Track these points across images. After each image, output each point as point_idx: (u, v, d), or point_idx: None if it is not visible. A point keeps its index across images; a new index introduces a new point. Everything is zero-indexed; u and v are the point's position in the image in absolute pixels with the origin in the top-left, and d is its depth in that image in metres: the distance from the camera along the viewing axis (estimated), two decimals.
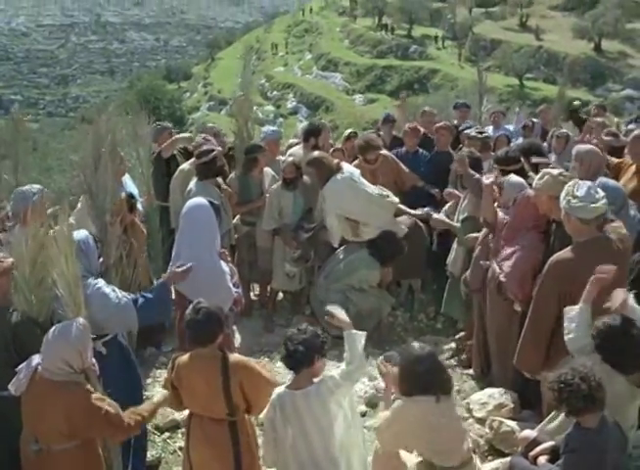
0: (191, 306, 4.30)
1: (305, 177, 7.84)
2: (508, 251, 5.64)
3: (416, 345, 4.37)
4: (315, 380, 4.17)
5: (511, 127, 11.08)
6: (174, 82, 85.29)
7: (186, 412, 5.90)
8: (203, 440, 4.29)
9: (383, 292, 7.66)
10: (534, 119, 11.11)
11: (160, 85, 72.78)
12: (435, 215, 7.44)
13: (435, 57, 63.61)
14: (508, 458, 4.29)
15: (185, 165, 8.00)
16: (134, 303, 4.80)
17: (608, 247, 4.63)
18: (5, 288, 4.56)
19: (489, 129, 10.07)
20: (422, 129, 9.12)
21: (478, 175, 6.84)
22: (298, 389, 4.16)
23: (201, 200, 6.00)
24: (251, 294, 8.65)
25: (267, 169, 8.18)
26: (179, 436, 5.93)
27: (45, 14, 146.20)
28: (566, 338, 4.25)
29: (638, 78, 48.91)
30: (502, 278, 5.58)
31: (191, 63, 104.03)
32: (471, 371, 6.62)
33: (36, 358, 4.05)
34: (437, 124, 9.04)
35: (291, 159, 8.03)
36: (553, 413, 4.21)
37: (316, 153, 7.65)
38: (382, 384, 5.99)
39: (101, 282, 4.78)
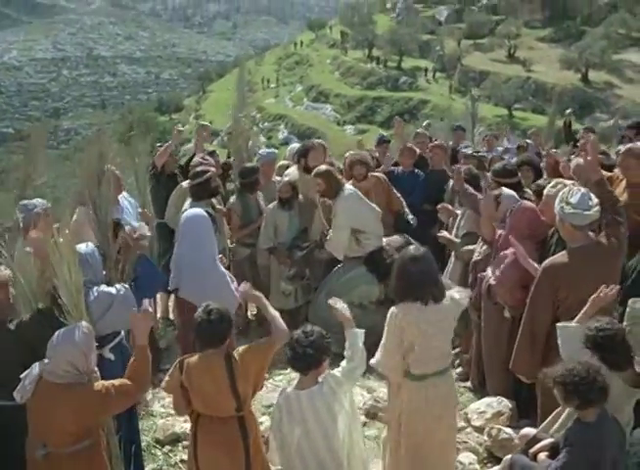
0: (201, 308, 4.37)
1: (301, 197, 7.94)
2: (501, 256, 5.77)
3: (412, 247, 4.75)
4: (319, 379, 4.25)
5: (505, 143, 11.26)
6: (166, 114, 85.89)
7: (186, 425, 6.03)
8: (212, 439, 4.33)
9: (381, 308, 7.71)
10: (528, 141, 11.27)
11: (152, 117, 73.32)
12: (440, 233, 7.49)
13: (425, 88, 64.35)
14: (508, 456, 4.36)
15: (185, 183, 8.10)
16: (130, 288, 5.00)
17: (601, 253, 4.74)
18: (3, 302, 4.59)
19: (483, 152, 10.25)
20: (417, 150, 9.26)
21: (474, 191, 6.97)
22: (304, 389, 4.23)
23: (198, 210, 6.13)
24: (249, 313, 8.71)
25: (259, 192, 8.29)
26: (179, 449, 5.95)
27: (37, 48, 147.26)
28: (562, 354, 4.35)
29: (625, 108, 49.51)
30: (492, 281, 5.71)
31: (182, 95, 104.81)
32: (468, 383, 6.68)
33: (40, 364, 4.11)
34: (431, 143, 9.21)
35: (286, 178, 8.13)
36: (553, 414, 4.29)
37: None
38: (381, 394, 6.09)
39: (103, 286, 4.89)
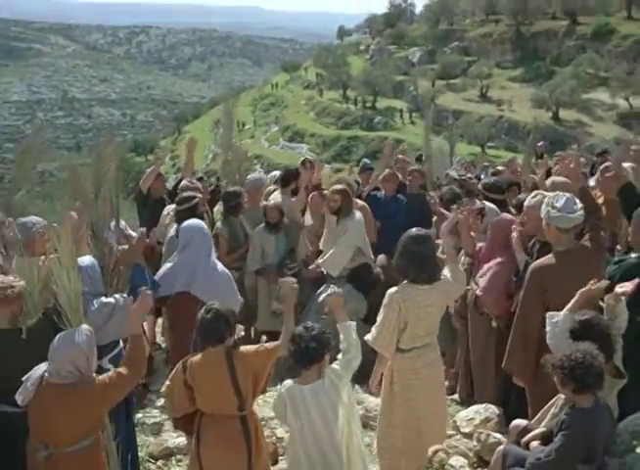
0: (204, 308, 4.51)
1: (286, 219, 8.11)
2: (485, 268, 5.98)
3: (415, 228, 5.04)
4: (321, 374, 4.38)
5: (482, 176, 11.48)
6: (142, 155, 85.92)
7: (179, 440, 6.10)
8: (215, 438, 4.43)
9: (367, 326, 7.85)
10: (500, 168, 11.49)
11: (128, 158, 73.34)
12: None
13: (400, 127, 65.13)
14: (501, 447, 4.49)
15: (170, 207, 8.21)
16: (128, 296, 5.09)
17: (585, 256, 4.98)
18: (16, 312, 4.66)
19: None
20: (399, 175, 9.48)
21: (448, 213, 7.20)
22: (307, 383, 4.36)
23: (194, 220, 6.29)
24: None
25: (241, 216, 8.42)
26: (173, 462, 6.01)
27: (12, 90, 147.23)
28: (548, 341, 4.54)
29: (595, 146, 50.38)
30: (478, 292, 5.90)
31: (158, 136, 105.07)
32: (455, 396, 6.82)
33: (42, 367, 4.20)
34: (410, 168, 9.47)
35: (272, 203, 8.30)
36: (543, 409, 4.44)
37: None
38: (371, 404, 6.21)
39: (103, 298, 5.01)
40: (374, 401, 6.14)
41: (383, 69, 74.93)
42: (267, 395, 6.94)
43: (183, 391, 4.52)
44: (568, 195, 5.04)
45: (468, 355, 6.57)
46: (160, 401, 7.24)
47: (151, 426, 6.66)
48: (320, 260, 7.73)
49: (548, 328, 4.57)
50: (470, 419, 5.83)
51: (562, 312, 4.56)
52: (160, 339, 8.75)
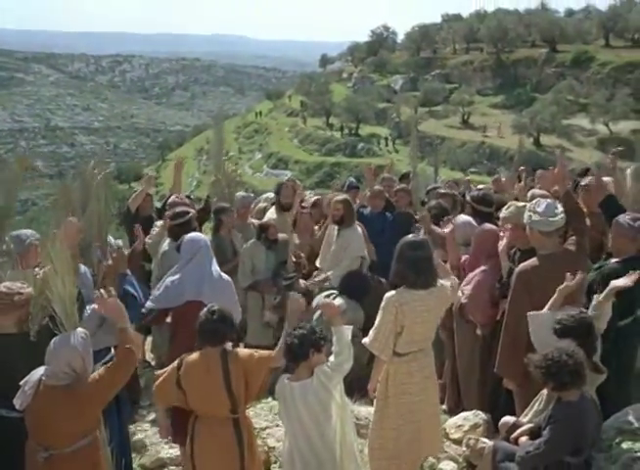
0: (206, 308, 4.61)
1: (279, 235, 8.24)
2: (469, 276, 6.13)
3: (410, 235, 5.19)
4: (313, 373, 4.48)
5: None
6: (125, 183, 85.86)
7: (172, 451, 6.15)
8: (209, 440, 4.51)
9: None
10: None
11: (111, 186, 73.17)
12: None
13: (383, 154, 65.58)
14: (491, 443, 4.59)
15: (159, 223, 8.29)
16: None
17: (569, 259, 5.14)
18: (23, 317, 4.76)
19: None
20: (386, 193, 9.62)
21: (439, 230, 7.34)
22: (297, 381, 4.48)
23: (195, 233, 6.39)
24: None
25: (235, 231, 8.53)
26: None
27: None
28: (533, 341, 4.69)
29: (576, 170, 50.87)
30: (463, 300, 6.04)
31: (141, 164, 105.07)
32: (443, 406, 6.90)
33: (39, 371, 4.28)
34: (396, 187, 9.62)
35: (271, 220, 8.46)
36: (530, 406, 4.56)
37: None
38: (362, 413, 6.28)
39: (94, 305, 5.10)
40: (364, 410, 6.22)
41: (365, 96, 75.74)
42: (258, 407, 7.04)
43: (174, 388, 4.60)
44: (548, 200, 5.22)
45: (454, 366, 6.68)
46: (152, 416, 7.30)
47: (143, 439, 6.70)
48: (329, 273, 7.82)
49: (531, 328, 4.73)
50: (459, 426, 5.93)
51: (543, 311, 4.72)
52: (149, 356, 8.80)
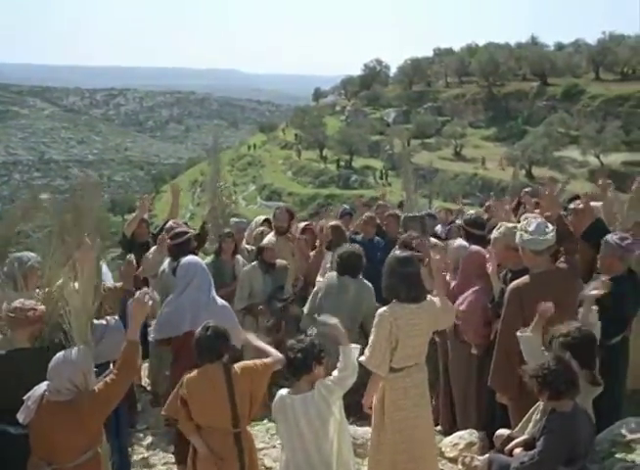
0: (201, 326, 4.69)
1: (280, 262, 8.36)
2: (461, 298, 6.24)
3: (398, 251, 5.33)
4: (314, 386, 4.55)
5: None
6: (119, 215, 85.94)
7: None
8: (210, 454, 4.56)
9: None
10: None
11: (105, 218, 73.26)
12: None
13: (376, 185, 65.86)
14: (486, 455, 4.65)
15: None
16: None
17: (561, 277, 5.27)
18: (36, 333, 4.88)
19: (439, 226, 10.72)
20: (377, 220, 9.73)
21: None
22: (298, 393, 4.53)
23: (191, 257, 6.45)
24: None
25: (238, 256, 8.64)
26: None
27: None
28: (526, 359, 4.79)
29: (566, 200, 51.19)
30: (456, 321, 6.14)
31: (135, 197, 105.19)
32: (438, 428, 6.95)
33: (42, 386, 4.34)
34: (385, 213, 9.76)
35: (269, 243, 8.56)
36: (524, 419, 4.63)
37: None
38: (359, 432, 6.33)
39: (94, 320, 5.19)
40: (361, 430, 6.27)
41: (358, 129, 76.19)
42: (255, 428, 7.08)
43: (181, 410, 4.66)
44: (539, 219, 5.35)
45: (448, 387, 6.76)
46: (148, 440, 7.34)
47: (140, 461, 6.73)
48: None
49: (522, 347, 4.83)
50: (454, 444, 5.99)
51: (527, 333, 4.83)
52: (145, 381, 8.83)
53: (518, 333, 4.91)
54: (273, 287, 8.26)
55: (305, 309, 7.45)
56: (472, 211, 11.26)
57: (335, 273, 7.30)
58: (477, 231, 6.98)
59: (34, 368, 4.55)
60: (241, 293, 8.19)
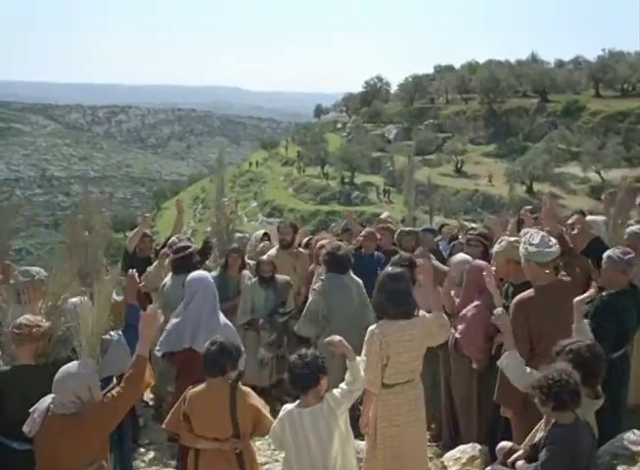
0: (209, 341, 4.71)
1: (278, 275, 8.37)
2: (463, 312, 6.26)
3: (390, 267, 5.41)
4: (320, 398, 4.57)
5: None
6: (120, 232, 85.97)
7: None
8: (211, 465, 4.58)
9: None
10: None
11: (108, 233, 73.23)
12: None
13: (377, 202, 66.01)
14: (488, 468, 4.66)
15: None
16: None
17: (563, 290, 5.31)
18: (40, 349, 4.87)
19: (442, 243, 10.75)
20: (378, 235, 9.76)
21: (441, 266, 7.49)
22: (307, 407, 4.55)
23: (200, 271, 6.47)
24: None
25: (245, 272, 8.67)
26: None
27: None
28: (514, 383, 4.91)
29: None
30: (457, 335, 6.16)
31: (136, 213, 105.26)
32: (440, 443, 6.97)
33: (48, 399, 4.36)
34: (379, 225, 9.81)
35: (266, 258, 8.59)
36: (529, 435, 4.64)
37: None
38: (361, 446, 6.33)
39: None
40: (362, 443, 6.27)
41: (360, 145, 76.38)
42: (258, 443, 7.08)
43: (183, 425, 4.67)
44: (542, 232, 5.40)
45: (451, 402, 6.76)
46: (150, 455, 7.34)
47: None
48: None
49: (507, 374, 4.93)
50: (457, 458, 5.98)
51: (506, 360, 4.91)
52: (147, 396, 8.83)
53: (498, 362, 5.01)
54: (274, 301, 8.28)
55: (304, 314, 7.52)
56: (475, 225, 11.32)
57: (330, 273, 7.40)
58: (484, 241, 7.08)
59: (37, 385, 4.58)
60: (244, 308, 8.25)
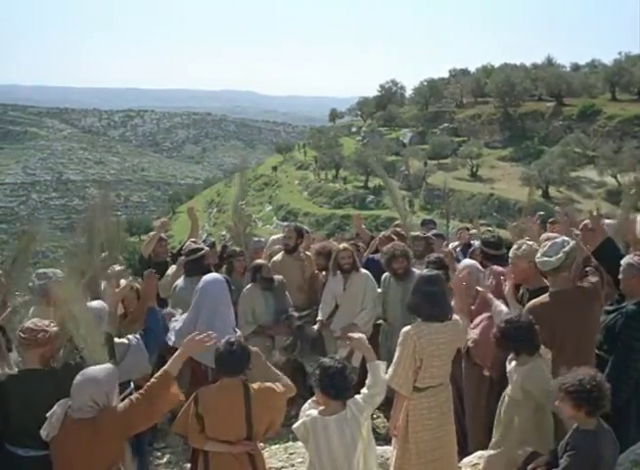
0: (224, 340, 4.68)
1: (276, 277, 8.34)
2: (477, 320, 6.21)
3: (426, 270, 5.46)
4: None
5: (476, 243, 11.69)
6: (136, 235, 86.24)
7: None
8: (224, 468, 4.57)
9: None
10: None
11: (115, 235, 73.41)
12: None
13: (391, 206, 65.81)
14: None
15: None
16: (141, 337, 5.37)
17: (580, 297, 5.25)
18: (47, 354, 4.84)
19: (458, 249, 10.70)
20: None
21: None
22: (332, 414, 4.51)
23: (215, 275, 6.45)
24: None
25: (247, 274, 8.64)
26: None
27: (7, 172, 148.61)
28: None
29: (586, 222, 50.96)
30: (470, 344, 6.12)
31: (151, 217, 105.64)
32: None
33: (65, 403, 4.36)
34: (389, 230, 9.83)
35: (277, 262, 8.57)
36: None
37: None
38: (378, 451, 6.29)
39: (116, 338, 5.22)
40: (380, 448, 6.23)
41: (374, 149, 76.21)
42: (274, 447, 7.07)
43: (194, 424, 4.64)
44: (558, 241, 5.35)
45: (460, 409, 6.71)
46: (166, 458, 7.34)
47: None
48: (356, 320, 7.93)
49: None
50: (474, 464, 5.95)
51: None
52: None
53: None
54: (276, 307, 8.22)
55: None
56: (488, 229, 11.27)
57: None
58: (493, 251, 7.00)
59: (43, 390, 4.59)
60: (244, 317, 8.12)
